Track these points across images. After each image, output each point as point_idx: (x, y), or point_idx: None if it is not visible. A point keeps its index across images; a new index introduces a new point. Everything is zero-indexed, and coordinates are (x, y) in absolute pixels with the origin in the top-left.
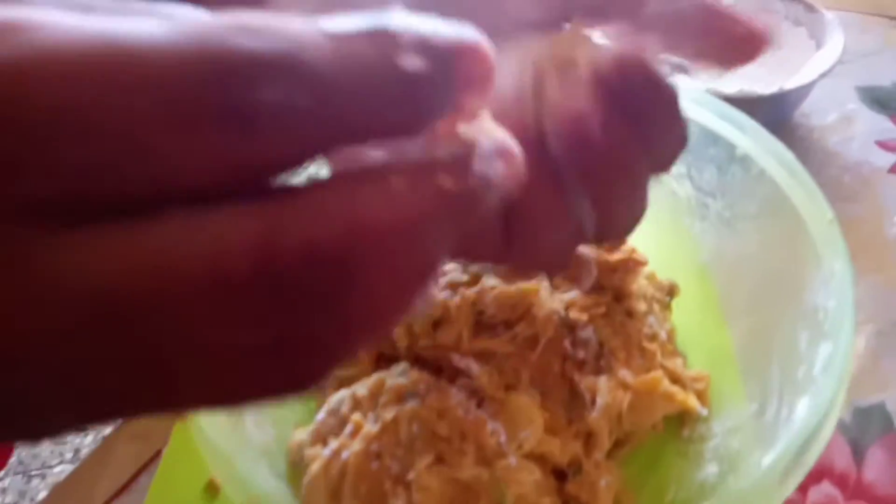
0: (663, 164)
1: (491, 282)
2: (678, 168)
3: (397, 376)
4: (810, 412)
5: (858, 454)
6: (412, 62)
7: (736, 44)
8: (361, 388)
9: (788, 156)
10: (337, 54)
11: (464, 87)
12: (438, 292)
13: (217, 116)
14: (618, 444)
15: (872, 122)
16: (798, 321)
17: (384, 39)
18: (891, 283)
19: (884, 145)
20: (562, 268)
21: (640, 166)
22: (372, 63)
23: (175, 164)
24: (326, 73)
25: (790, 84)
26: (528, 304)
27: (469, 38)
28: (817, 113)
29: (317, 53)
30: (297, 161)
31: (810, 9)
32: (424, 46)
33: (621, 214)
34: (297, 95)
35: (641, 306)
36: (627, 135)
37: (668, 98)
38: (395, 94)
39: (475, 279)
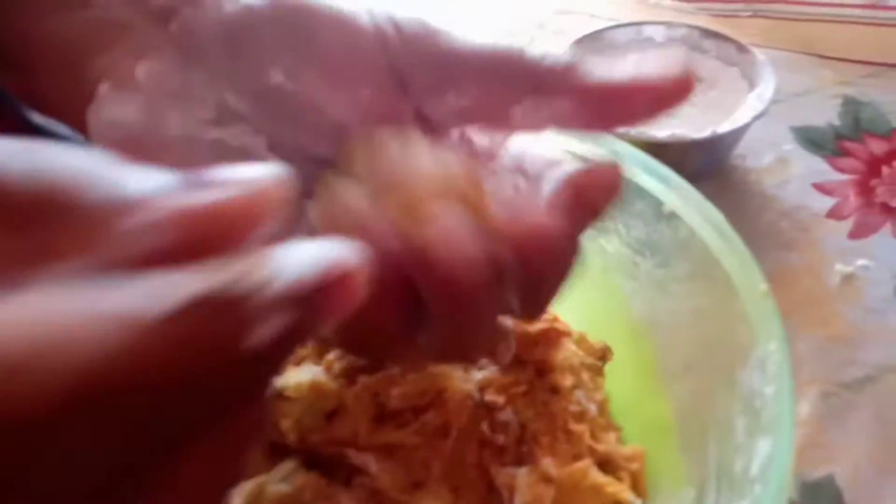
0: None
1: (395, 371)
2: (606, 223)
3: (279, 482)
4: None
5: None
6: (260, 336)
7: (656, 102)
8: (236, 499)
9: (717, 216)
10: (148, 357)
11: (328, 313)
12: (331, 381)
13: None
14: None
15: (809, 164)
16: (733, 403)
17: (217, 315)
18: (835, 338)
19: (821, 188)
20: (482, 356)
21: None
22: (199, 355)
23: None
24: (131, 394)
25: (724, 127)
26: (438, 389)
27: (339, 263)
28: (753, 155)
29: (116, 371)
30: None
31: (742, 49)
32: (278, 302)
33: (543, 302)
34: (92, 441)
35: (567, 381)
36: (501, 293)
37: (559, 279)
38: (232, 381)
39: (376, 365)
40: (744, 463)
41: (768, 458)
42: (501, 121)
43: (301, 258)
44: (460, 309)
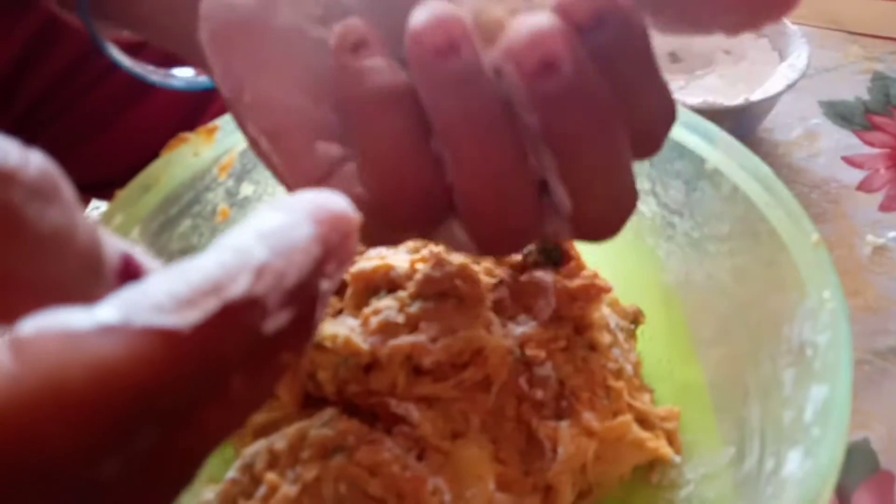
0: (648, 142)
1: (432, 329)
2: (641, 183)
3: (322, 426)
4: (807, 472)
5: (844, 497)
6: (277, 323)
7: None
8: (280, 441)
9: (764, 170)
10: (186, 362)
11: (332, 274)
12: (365, 338)
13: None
14: (580, 496)
15: (837, 138)
16: (779, 357)
17: (244, 316)
18: (867, 307)
19: (850, 161)
20: (517, 248)
21: (616, 127)
22: (229, 348)
23: None
24: (175, 393)
25: (756, 96)
26: (475, 348)
27: (336, 218)
28: (781, 128)
29: (160, 381)
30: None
31: None
32: (292, 294)
33: (598, 195)
34: (142, 442)
35: (605, 338)
36: (597, 74)
37: (644, 47)
38: (257, 352)
39: (413, 322)
40: (794, 413)
41: (825, 402)
42: None
43: (305, 233)
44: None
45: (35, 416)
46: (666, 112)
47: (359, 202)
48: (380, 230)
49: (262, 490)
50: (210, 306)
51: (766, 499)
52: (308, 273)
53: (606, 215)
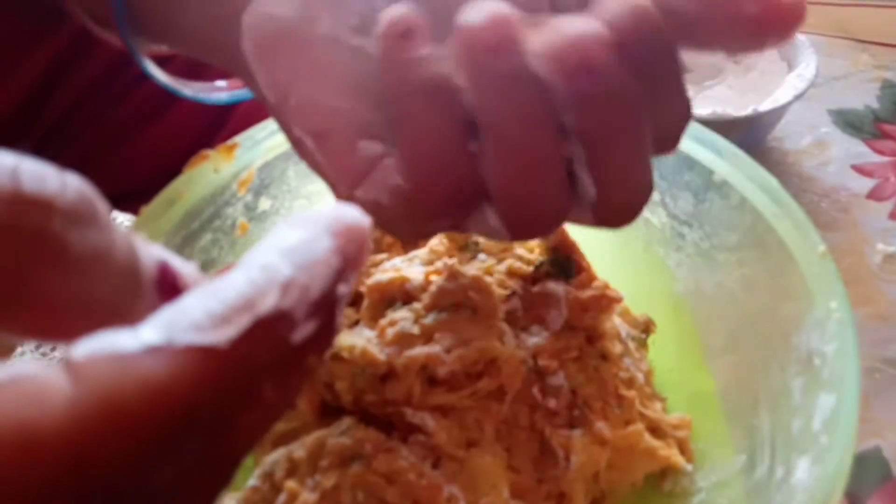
0: (667, 140)
1: (447, 340)
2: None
3: (340, 435)
4: (815, 479)
5: None
6: (305, 333)
7: (754, 25)
8: (299, 450)
9: (772, 182)
10: (225, 375)
11: (350, 279)
12: (382, 350)
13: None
14: (593, 503)
15: (847, 146)
16: (788, 366)
17: (275, 329)
18: (878, 316)
19: (860, 169)
20: (556, 221)
21: (642, 127)
22: (263, 359)
23: None
24: (217, 405)
25: (765, 106)
26: (489, 358)
27: (352, 231)
28: (790, 137)
29: (204, 396)
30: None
31: None
32: (317, 305)
33: (622, 186)
34: (191, 455)
35: (617, 347)
36: (630, 80)
37: (672, 58)
38: (288, 361)
39: (428, 333)
40: (802, 422)
41: (832, 411)
42: None
43: (325, 247)
44: (510, 100)
45: (94, 435)
46: (685, 112)
47: (397, 194)
48: (415, 221)
49: (282, 497)
50: (244, 322)
51: None
52: (330, 284)
53: (627, 204)
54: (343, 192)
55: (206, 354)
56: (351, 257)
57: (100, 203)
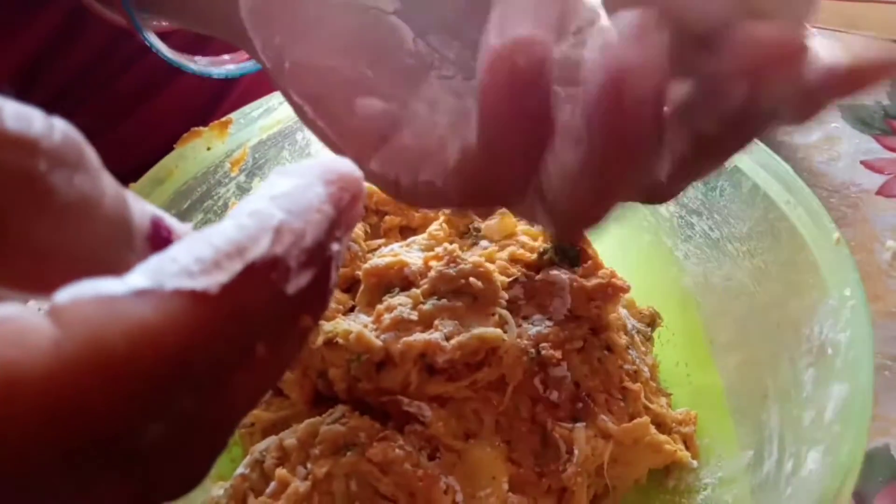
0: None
1: (446, 327)
2: None
3: (333, 423)
4: (828, 468)
5: (864, 503)
6: (299, 283)
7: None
8: (290, 437)
9: (784, 169)
10: (217, 321)
11: (345, 233)
12: (378, 335)
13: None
14: (595, 499)
15: (857, 142)
16: (800, 358)
17: (269, 275)
18: (888, 313)
19: (870, 166)
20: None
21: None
22: (256, 307)
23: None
24: (209, 355)
25: None
26: (491, 345)
27: (346, 181)
28: (800, 132)
29: (196, 342)
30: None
31: None
32: (311, 253)
33: (693, 175)
34: (182, 405)
35: (622, 339)
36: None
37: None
38: (282, 315)
39: (426, 319)
40: (814, 413)
41: (846, 400)
42: None
43: (319, 196)
44: (626, 130)
45: (79, 379)
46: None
47: (429, 186)
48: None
49: (272, 486)
50: (235, 268)
51: (785, 499)
52: (324, 232)
53: (681, 189)
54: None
55: (196, 300)
56: (345, 207)
57: (88, 149)
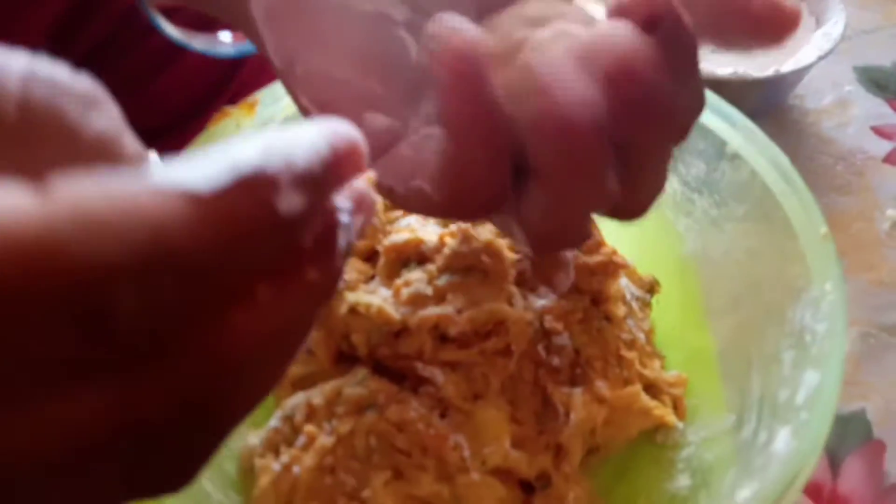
0: (682, 132)
1: (458, 301)
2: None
3: (355, 385)
4: (792, 452)
5: (835, 464)
6: (290, 203)
7: (757, 24)
8: (317, 397)
9: (782, 159)
10: (206, 224)
11: (341, 180)
12: (397, 308)
13: (76, 326)
14: (588, 452)
15: (870, 106)
16: (782, 338)
17: (259, 188)
18: (879, 282)
19: (880, 132)
20: (582, 240)
21: (673, 127)
22: (247, 220)
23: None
24: (195, 254)
25: (787, 67)
26: (498, 319)
27: (343, 136)
28: (812, 95)
29: (181, 233)
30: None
31: None
32: (302, 178)
33: (646, 183)
34: (161, 291)
35: (620, 310)
36: (665, 76)
37: (692, 45)
38: (276, 243)
39: (440, 294)
40: (789, 393)
41: (815, 389)
42: None
43: (314, 137)
44: (571, 154)
45: (65, 240)
46: (699, 105)
47: (416, 193)
48: (431, 215)
49: (301, 439)
50: (226, 177)
51: (755, 469)
52: (315, 163)
53: (647, 200)
54: None
55: (186, 198)
56: (338, 150)
57: (111, 103)
